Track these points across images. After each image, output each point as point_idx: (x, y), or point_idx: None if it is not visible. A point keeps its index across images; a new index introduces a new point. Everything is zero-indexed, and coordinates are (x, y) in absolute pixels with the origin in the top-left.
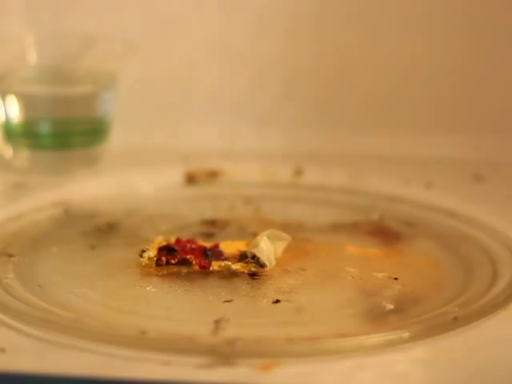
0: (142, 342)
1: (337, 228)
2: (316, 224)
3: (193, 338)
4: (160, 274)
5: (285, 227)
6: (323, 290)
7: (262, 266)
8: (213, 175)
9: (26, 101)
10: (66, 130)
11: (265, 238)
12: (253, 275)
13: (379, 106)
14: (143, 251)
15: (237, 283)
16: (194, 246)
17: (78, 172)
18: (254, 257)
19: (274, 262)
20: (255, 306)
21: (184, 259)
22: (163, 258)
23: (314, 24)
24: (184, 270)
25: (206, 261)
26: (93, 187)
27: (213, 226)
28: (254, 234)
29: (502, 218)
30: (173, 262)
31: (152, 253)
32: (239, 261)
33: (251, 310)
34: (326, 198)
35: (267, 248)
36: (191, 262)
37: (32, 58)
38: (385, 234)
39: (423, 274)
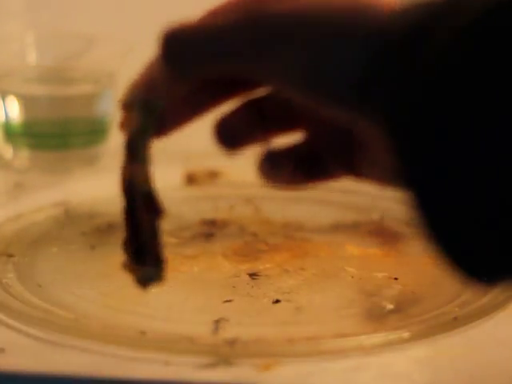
0: (141, 341)
1: (337, 228)
2: (316, 224)
3: (193, 338)
4: None
5: (285, 227)
6: (323, 289)
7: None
8: (213, 175)
9: (26, 101)
10: (66, 130)
11: None
12: (253, 275)
13: None
14: None
15: (237, 283)
16: None
17: (78, 172)
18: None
19: None
20: (255, 306)
21: None
22: None
23: None
24: (184, 269)
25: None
26: (92, 187)
27: (213, 226)
28: (254, 234)
29: None
30: None
31: None
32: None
33: (251, 309)
34: (326, 197)
35: None
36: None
37: (32, 58)
38: (385, 234)
39: (423, 274)
